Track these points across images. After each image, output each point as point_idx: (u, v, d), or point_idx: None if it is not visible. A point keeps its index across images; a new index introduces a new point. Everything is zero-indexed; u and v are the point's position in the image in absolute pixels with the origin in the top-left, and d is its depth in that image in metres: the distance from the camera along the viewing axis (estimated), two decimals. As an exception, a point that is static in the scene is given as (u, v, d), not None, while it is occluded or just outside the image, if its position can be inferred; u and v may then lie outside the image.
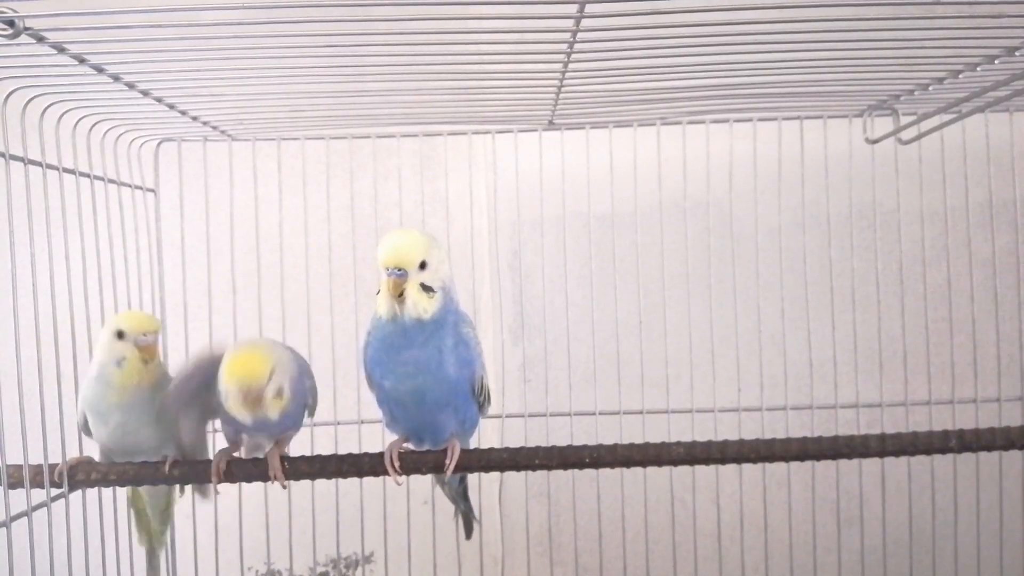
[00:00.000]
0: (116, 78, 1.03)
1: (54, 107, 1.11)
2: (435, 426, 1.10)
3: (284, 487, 1.13)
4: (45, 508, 1.04)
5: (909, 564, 1.41)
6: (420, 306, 1.03)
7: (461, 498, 1.26)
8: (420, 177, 1.57)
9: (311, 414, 1.15)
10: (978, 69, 1.08)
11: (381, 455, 1.11)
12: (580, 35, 0.92)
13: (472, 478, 1.37)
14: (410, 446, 1.13)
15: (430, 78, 1.13)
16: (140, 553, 1.27)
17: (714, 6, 0.90)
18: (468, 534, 1.30)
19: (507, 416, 1.43)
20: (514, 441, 1.30)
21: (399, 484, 1.11)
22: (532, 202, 1.45)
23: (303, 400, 1.11)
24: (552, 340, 1.52)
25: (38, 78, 1.01)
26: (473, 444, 1.17)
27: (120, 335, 1.07)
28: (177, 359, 1.40)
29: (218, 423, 1.18)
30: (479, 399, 1.12)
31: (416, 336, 1.04)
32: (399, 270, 1.01)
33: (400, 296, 1.02)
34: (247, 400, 1.02)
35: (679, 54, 0.99)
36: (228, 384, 1.02)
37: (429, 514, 1.40)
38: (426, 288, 1.03)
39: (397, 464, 1.09)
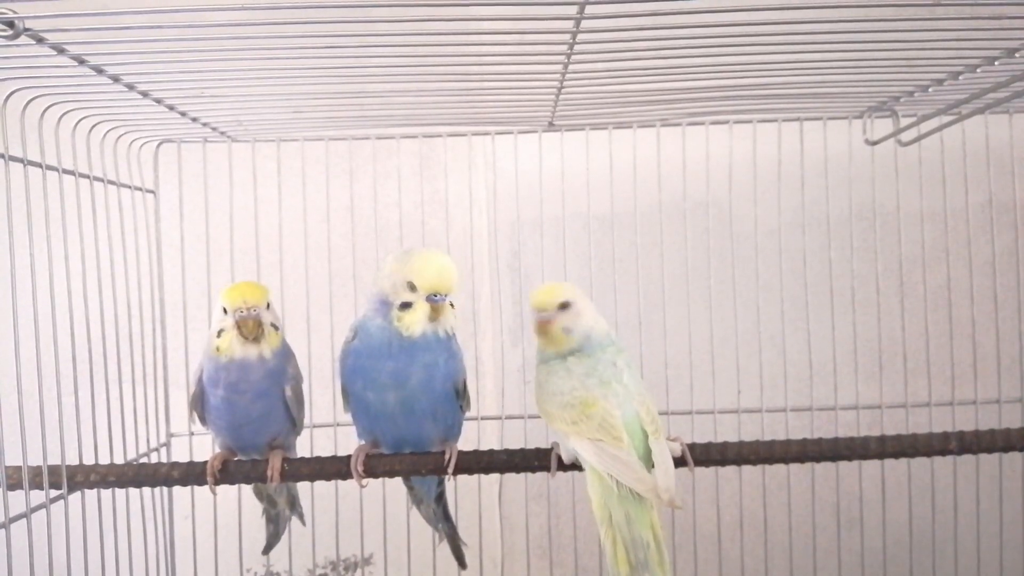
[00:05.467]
0: (116, 79, 1.03)
1: (54, 108, 1.11)
2: (419, 436, 1.10)
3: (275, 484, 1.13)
4: (44, 510, 1.04)
5: (909, 566, 1.41)
6: (448, 323, 1.07)
7: (442, 519, 1.25)
8: (420, 178, 1.57)
9: (299, 405, 1.14)
10: (978, 71, 1.08)
11: (381, 456, 1.11)
12: (580, 36, 0.92)
13: (466, 485, 1.37)
14: (379, 451, 1.13)
15: (430, 79, 1.13)
16: (138, 555, 1.27)
17: (714, 8, 0.90)
18: (461, 563, 1.26)
19: (507, 418, 1.43)
20: (514, 443, 1.29)
21: (363, 487, 1.12)
22: (532, 203, 1.45)
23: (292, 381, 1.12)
24: (552, 341, 1.51)
25: (38, 79, 1.01)
26: (473, 445, 1.17)
27: (224, 309, 1.08)
28: (177, 360, 1.41)
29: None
30: (460, 403, 1.13)
31: (420, 350, 1.05)
32: (444, 295, 1.04)
33: (438, 318, 1.05)
34: (248, 321, 1.05)
35: (679, 55, 0.99)
36: (224, 301, 1.06)
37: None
38: (452, 306, 1.07)
39: (361, 468, 1.10)
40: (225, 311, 1.07)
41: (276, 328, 1.10)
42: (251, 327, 1.06)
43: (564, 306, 1.06)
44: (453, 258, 1.06)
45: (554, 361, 1.05)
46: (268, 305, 1.09)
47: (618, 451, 0.97)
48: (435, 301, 1.03)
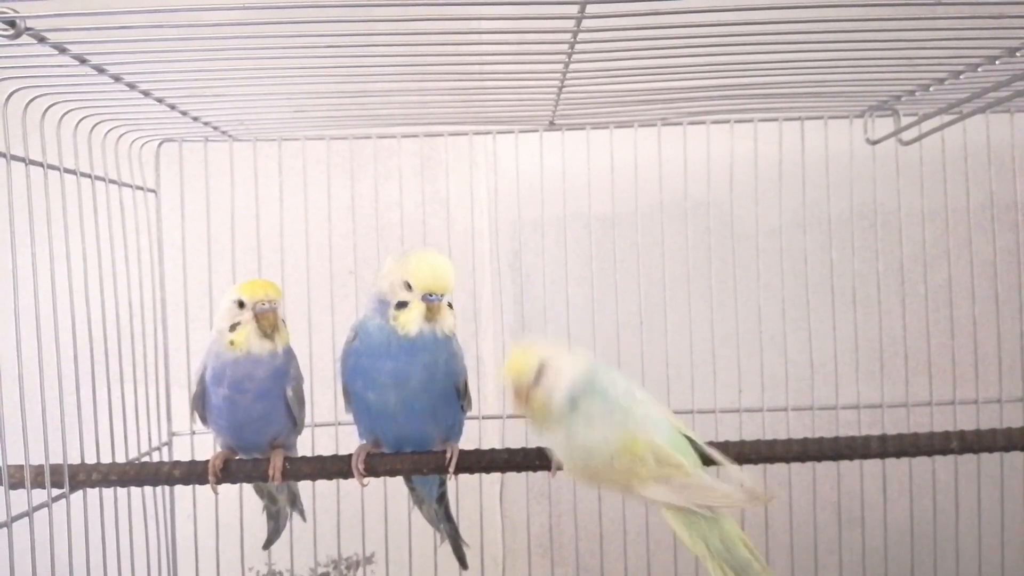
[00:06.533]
0: (117, 79, 1.03)
1: (55, 107, 1.11)
2: (420, 436, 1.10)
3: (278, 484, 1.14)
4: (46, 508, 1.04)
5: (910, 565, 1.41)
6: (447, 324, 1.07)
7: (444, 519, 1.25)
8: (421, 177, 1.57)
9: (299, 405, 1.15)
10: (979, 70, 1.08)
11: (383, 455, 1.12)
12: (581, 35, 0.92)
13: (467, 485, 1.37)
14: (381, 451, 1.13)
15: (431, 78, 1.13)
16: (140, 554, 1.28)
17: (715, 7, 0.90)
18: (462, 563, 1.27)
19: (508, 417, 1.43)
20: (515, 442, 1.29)
21: (364, 486, 1.13)
22: (533, 202, 1.45)
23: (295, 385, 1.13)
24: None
25: (39, 79, 1.01)
26: (474, 445, 1.17)
27: (240, 303, 1.08)
28: (178, 359, 1.41)
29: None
30: (462, 402, 1.13)
31: (419, 351, 1.05)
32: (440, 295, 1.04)
33: (436, 318, 1.05)
34: (267, 315, 1.05)
35: (680, 55, 0.99)
36: (243, 295, 1.05)
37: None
38: (450, 306, 1.08)
39: (362, 467, 1.10)
40: (241, 305, 1.07)
41: (284, 323, 1.12)
42: (271, 319, 1.07)
43: (540, 371, 0.95)
44: (454, 258, 1.06)
45: (566, 414, 0.95)
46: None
47: (687, 478, 0.89)
48: (430, 300, 1.04)
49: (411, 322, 1.04)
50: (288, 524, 1.31)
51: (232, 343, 1.06)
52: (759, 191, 1.37)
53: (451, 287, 1.05)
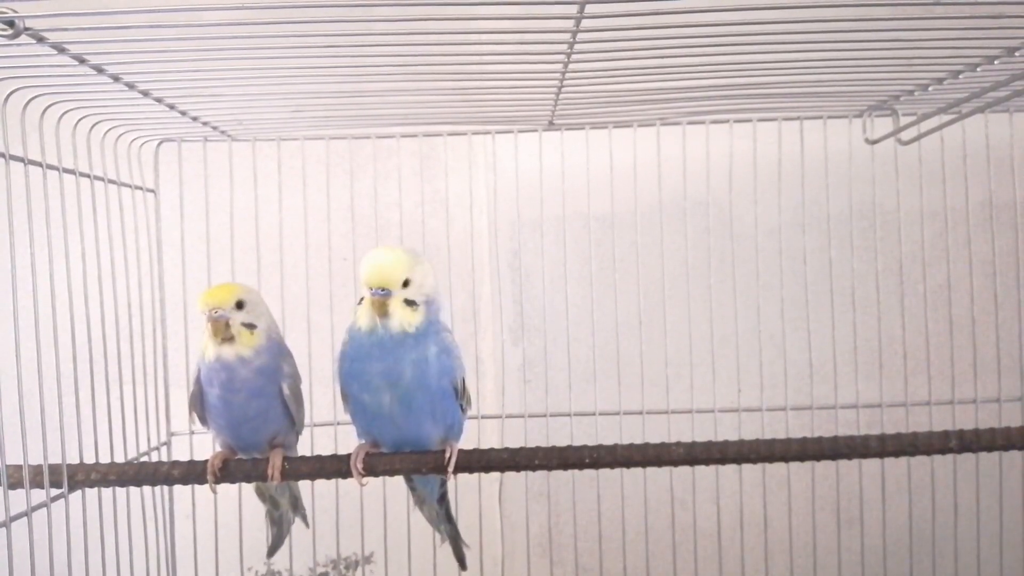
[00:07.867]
0: (116, 78, 1.03)
1: (54, 107, 1.11)
2: (417, 436, 1.10)
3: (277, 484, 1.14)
4: (45, 508, 1.04)
5: (909, 564, 1.41)
6: (405, 320, 1.05)
7: (444, 520, 1.24)
8: (420, 177, 1.57)
9: (297, 403, 1.14)
10: (978, 69, 1.08)
11: (382, 455, 1.12)
12: (580, 35, 0.92)
13: (466, 484, 1.37)
14: (379, 451, 1.13)
15: (430, 78, 1.13)
16: (139, 554, 1.28)
17: (714, 7, 0.90)
18: (462, 564, 1.27)
19: (507, 416, 1.43)
20: (514, 441, 1.30)
21: (363, 485, 1.13)
22: (532, 202, 1.45)
23: (291, 382, 1.12)
24: (552, 340, 1.52)
25: (38, 78, 1.01)
26: (473, 444, 1.17)
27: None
28: (177, 359, 1.41)
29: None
30: (461, 401, 1.13)
31: (398, 348, 1.05)
32: (382, 290, 1.03)
33: (384, 313, 1.04)
34: (214, 323, 1.05)
35: (679, 55, 0.99)
36: (199, 307, 1.07)
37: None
38: (409, 303, 1.05)
39: (361, 467, 1.10)
40: None
41: (250, 327, 1.09)
42: (219, 328, 1.07)
43: None
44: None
45: None
46: (241, 305, 1.08)
47: None
48: (375, 296, 1.03)
49: (362, 317, 1.06)
50: (290, 528, 1.31)
51: (203, 351, 1.09)
52: (758, 191, 1.37)
53: (395, 282, 1.03)
